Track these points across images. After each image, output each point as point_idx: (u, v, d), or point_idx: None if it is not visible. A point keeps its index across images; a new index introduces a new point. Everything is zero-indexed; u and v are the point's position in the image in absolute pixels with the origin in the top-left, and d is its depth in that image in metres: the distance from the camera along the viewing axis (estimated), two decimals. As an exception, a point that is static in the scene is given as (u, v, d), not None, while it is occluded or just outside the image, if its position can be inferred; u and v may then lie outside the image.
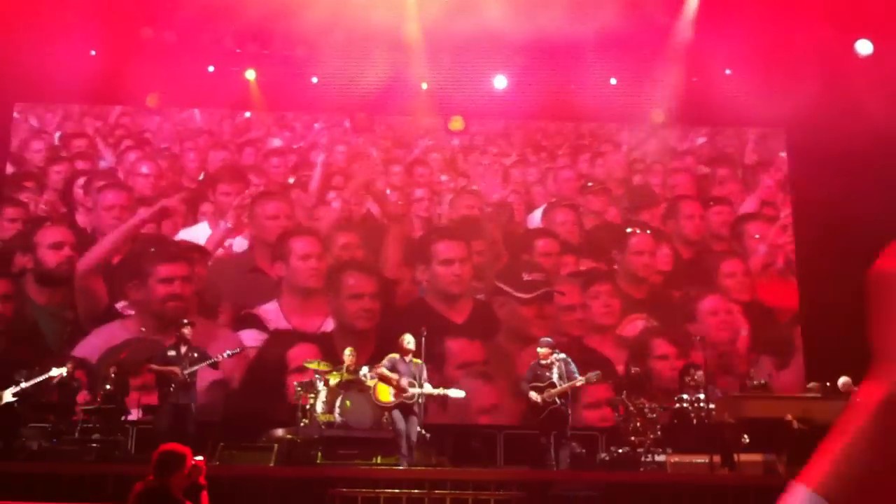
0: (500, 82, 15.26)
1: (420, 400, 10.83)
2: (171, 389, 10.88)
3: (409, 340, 10.97)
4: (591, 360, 13.32)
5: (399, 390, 10.72)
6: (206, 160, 15.85)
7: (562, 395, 10.96)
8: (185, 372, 10.95)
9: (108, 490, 9.07)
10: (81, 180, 15.49)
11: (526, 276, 15.25)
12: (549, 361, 11.16)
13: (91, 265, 14.84)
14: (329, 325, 14.89)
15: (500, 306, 15.15)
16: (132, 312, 14.58)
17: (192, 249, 15.10)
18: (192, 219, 15.43)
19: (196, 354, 11.22)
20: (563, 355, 11.24)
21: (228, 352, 11.59)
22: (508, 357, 14.77)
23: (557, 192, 16.05)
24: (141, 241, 15.18)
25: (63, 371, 12.57)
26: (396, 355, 11.01)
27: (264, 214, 15.54)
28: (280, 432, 12.08)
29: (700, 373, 11.77)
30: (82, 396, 12.65)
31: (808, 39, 13.78)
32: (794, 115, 14.33)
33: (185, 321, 11.56)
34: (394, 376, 10.77)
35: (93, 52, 14.77)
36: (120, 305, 14.66)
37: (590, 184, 16.07)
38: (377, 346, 13.96)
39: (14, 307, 14.68)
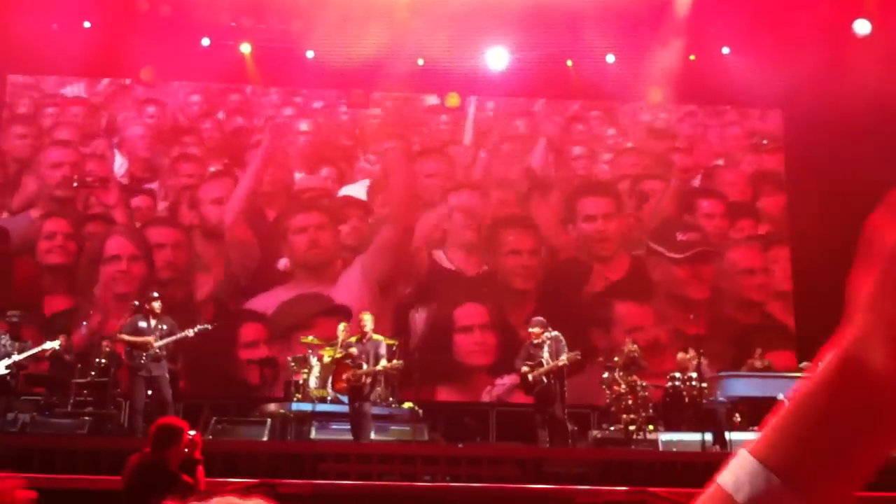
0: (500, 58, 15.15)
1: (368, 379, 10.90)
2: (142, 361, 10.76)
3: (365, 320, 11.11)
4: (770, 327, 13.97)
5: (352, 376, 10.90)
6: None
7: (549, 374, 10.96)
8: (157, 344, 10.86)
9: (101, 463, 9.07)
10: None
11: (680, 236, 15.32)
12: (540, 340, 11.15)
13: (236, 216, 15.23)
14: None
15: (654, 267, 15.30)
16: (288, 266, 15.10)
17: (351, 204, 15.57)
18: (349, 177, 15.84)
19: (165, 327, 11.10)
20: (555, 334, 11.21)
21: (198, 327, 11.47)
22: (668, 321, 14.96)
23: (725, 151, 16.09)
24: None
25: (56, 344, 12.55)
26: (353, 339, 11.20)
27: (423, 172, 15.81)
28: (273, 407, 12.08)
29: (692, 352, 11.79)
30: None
31: (806, 18, 13.73)
32: (792, 95, 14.31)
33: (154, 294, 11.44)
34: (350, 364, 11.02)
35: (87, 24, 14.67)
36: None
37: (764, 141, 16.01)
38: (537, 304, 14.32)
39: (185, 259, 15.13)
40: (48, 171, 15.31)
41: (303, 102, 16.16)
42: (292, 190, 15.61)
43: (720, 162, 16.08)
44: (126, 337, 10.93)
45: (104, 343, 12.46)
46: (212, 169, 15.61)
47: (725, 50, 15.07)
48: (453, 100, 15.97)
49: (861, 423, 0.64)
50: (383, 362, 10.94)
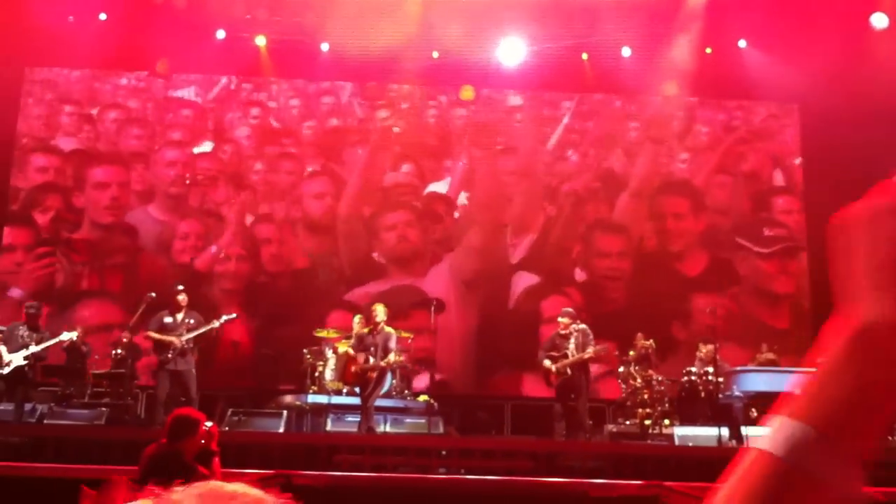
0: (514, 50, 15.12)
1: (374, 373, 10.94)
2: (169, 356, 10.85)
3: (377, 311, 11.09)
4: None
5: (359, 370, 10.96)
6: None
7: (573, 366, 10.94)
8: (183, 339, 10.92)
9: (117, 454, 9.11)
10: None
11: (767, 232, 15.55)
12: (567, 332, 11.12)
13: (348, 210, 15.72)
14: (581, 276, 15.46)
15: (741, 261, 15.49)
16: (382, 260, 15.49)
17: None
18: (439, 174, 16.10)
19: (192, 321, 11.17)
20: (582, 326, 11.17)
21: (225, 317, 11.54)
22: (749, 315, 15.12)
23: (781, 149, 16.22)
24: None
25: (73, 335, 12.62)
26: (366, 330, 11.23)
27: (506, 170, 16.03)
28: (289, 399, 12.12)
29: (710, 346, 11.74)
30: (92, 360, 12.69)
31: (824, 12, 13.64)
32: (809, 90, 14.23)
33: (180, 287, 11.50)
34: (360, 356, 11.04)
35: (102, 17, 14.74)
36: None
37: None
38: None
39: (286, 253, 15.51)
40: (163, 170, 15.71)
41: (391, 101, 16.26)
42: (383, 187, 15.88)
43: (797, 161, 16.09)
44: (153, 335, 11.00)
45: (122, 334, 12.51)
46: (310, 168, 15.93)
47: (743, 43, 15.03)
48: (467, 93, 15.94)
49: (882, 375, 0.72)
50: (391, 356, 10.91)
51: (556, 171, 16.00)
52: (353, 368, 11.14)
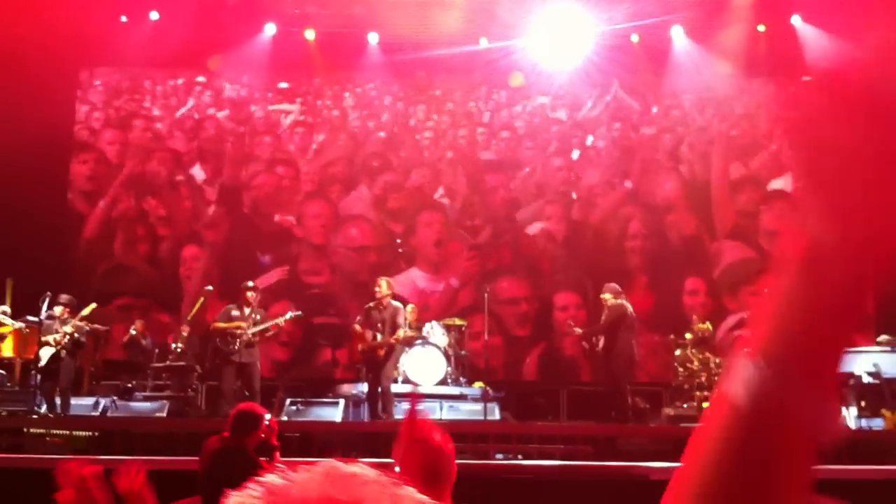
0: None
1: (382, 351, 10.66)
2: (235, 348, 10.97)
3: (379, 285, 10.82)
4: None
5: (371, 346, 10.69)
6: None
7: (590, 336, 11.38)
8: (251, 331, 11.06)
9: (180, 445, 9.27)
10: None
11: None
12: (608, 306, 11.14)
13: None
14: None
15: None
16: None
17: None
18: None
19: (259, 316, 11.32)
20: (619, 302, 11.04)
21: (291, 314, 11.69)
22: None
23: None
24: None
25: (132, 330, 12.87)
26: (371, 304, 10.90)
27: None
28: (346, 388, 12.22)
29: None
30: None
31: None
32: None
33: (250, 284, 11.66)
34: (367, 333, 10.72)
35: (154, 16, 14.95)
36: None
37: None
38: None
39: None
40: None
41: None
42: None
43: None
44: (220, 324, 11.14)
45: (182, 327, 12.71)
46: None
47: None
48: (517, 79, 15.89)
49: (830, 301, 0.68)
50: (400, 332, 10.60)
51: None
52: (359, 347, 10.87)
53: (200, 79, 16.12)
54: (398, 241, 15.48)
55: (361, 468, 0.92)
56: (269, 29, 15.28)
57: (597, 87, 15.97)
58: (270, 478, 0.88)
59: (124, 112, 16.07)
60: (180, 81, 16.18)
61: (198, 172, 15.87)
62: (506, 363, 14.75)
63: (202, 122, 16.14)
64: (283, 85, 16.21)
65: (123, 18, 14.98)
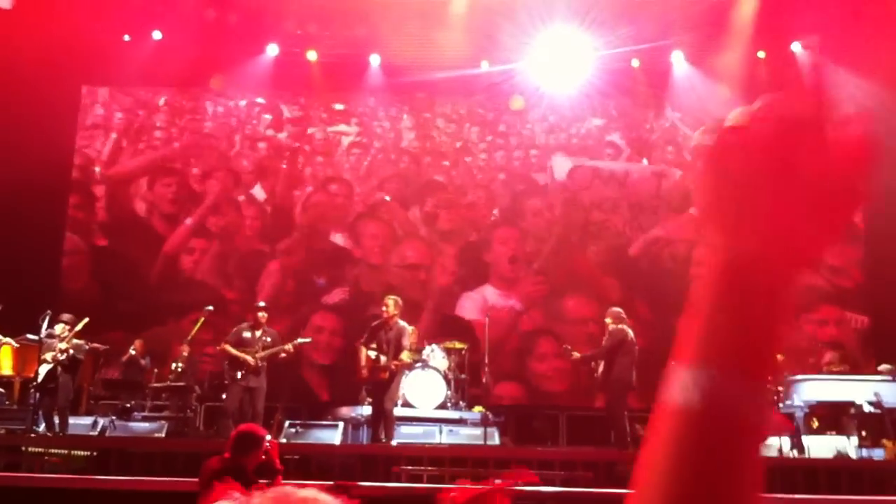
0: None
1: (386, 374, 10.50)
2: (242, 374, 10.96)
3: (386, 304, 10.71)
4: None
5: (374, 367, 10.54)
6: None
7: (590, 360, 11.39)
8: (258, 356, 11.04)
9: (178, 465, 9.24)
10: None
11: None
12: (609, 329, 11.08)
13: None
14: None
15: None
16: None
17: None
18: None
19: (269, 339, 11.29)
20: (619, 327, 10.91)
21: (300, 340, 11.72)
22: None
23: None
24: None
25: (132, 350, 12.83)
26: (377, 322, 10.83)
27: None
28: (345, 411, 12.18)
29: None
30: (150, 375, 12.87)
31: (882, 12, 13.42)
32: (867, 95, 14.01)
33: (262, 304, 11.66)
34: (371, 354, 10.53)
35: (157, 35, 15.02)
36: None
37: None
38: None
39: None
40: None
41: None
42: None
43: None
44: (229, 350, 11.10)
45: (181, 347, 12.68)
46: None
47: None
48: (518, 103, 15.95)
49: (759, 304, 0.73)
50: (404, 355, 10.48)
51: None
52: (363, 368, 10.66)
53: (259, 100, 16.28)
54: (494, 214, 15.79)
55: (315, 493, 0.93)
56: (272, 50, 15.35)
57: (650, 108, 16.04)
58: (225, 501, 0.88)
59: (188, 131, 16.29)
60: (242, 103, 16.33)
61: (258, 192, 16.03)
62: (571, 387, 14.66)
63: (258, 142, 16.29)
64: (339, 106, 16.32)
65: (126, 38, 15.06)
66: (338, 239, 15.76)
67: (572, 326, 14.84)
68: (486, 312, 13.72)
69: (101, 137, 16.12)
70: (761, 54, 14.97)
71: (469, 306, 15.22)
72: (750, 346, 0.73)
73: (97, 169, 16.02)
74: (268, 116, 16.31)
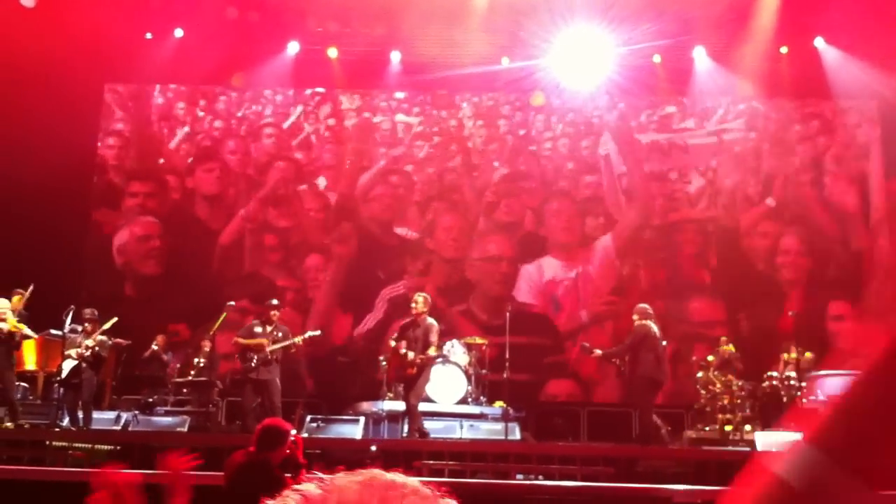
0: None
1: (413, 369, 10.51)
2: (252, 365, 10.97)
3: (415, 301, 10.76)
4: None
5: (402, 364, 10.59)
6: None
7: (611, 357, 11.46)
8: (269, 348, 11.06)
9: (202, 460, 9.25)
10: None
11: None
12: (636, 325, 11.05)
13: None
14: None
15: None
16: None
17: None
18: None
19: (280, 334, 11.32)
20: (643, 322, 10.93)
21: (309, 333, 11.71)
22: None
23: None
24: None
25: (154, 345, 12.91)
26: (407, 320, 10.89)
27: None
28: (366, 405, 12.20)
29: (795, 353, 11.52)
30: (172, 369, 12.94)
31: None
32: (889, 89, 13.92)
33: (275, 301, 11.69)
34: (401, 351, 10.60)
35: (179, 33, 15.10)
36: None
37: None
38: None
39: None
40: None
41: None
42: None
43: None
44: (241, 340, 11.16)
45: (203, 342, 12.73)
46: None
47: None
48: (538, 99, 15.92)
49: None
50: (431, 350, 10.48)
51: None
52: (393, 364, 10.80)
53: (319, 89, 16.32)
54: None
55: (402, 478, 0.93)
56: (292, 47, 15.39)
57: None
58: (307, 486, 0.87)
59: (247, 123, 16.33)
60: (290, 93, 16.38)
61: (321, 182, 16.09)
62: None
63: (319, 134, 16.34)
64: (400, 94, 16.31)
65: (148, 35, 15.15)
66: (401, 231, 15.83)
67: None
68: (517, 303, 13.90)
69: (117, 136, 16.23)
70: (784, 50, 14.88)
71: (524, 287, 15.40)
72: (882, 449, 0.68)
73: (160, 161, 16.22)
74: (327, 108, 16.37)
